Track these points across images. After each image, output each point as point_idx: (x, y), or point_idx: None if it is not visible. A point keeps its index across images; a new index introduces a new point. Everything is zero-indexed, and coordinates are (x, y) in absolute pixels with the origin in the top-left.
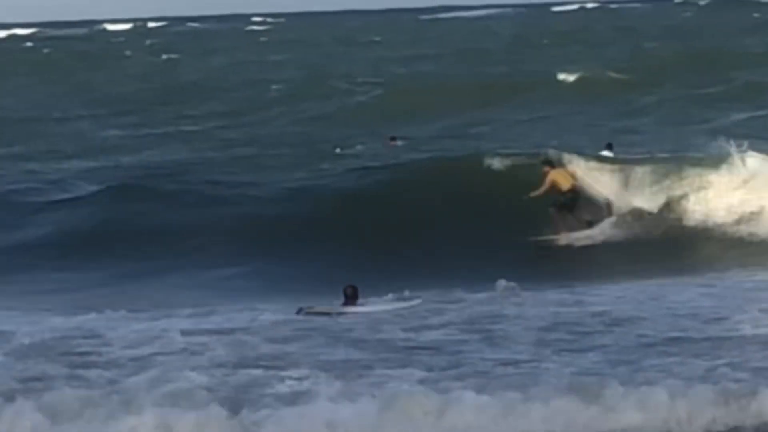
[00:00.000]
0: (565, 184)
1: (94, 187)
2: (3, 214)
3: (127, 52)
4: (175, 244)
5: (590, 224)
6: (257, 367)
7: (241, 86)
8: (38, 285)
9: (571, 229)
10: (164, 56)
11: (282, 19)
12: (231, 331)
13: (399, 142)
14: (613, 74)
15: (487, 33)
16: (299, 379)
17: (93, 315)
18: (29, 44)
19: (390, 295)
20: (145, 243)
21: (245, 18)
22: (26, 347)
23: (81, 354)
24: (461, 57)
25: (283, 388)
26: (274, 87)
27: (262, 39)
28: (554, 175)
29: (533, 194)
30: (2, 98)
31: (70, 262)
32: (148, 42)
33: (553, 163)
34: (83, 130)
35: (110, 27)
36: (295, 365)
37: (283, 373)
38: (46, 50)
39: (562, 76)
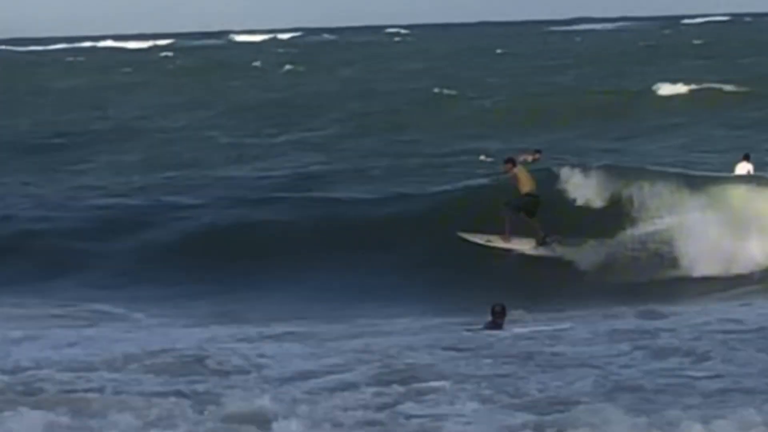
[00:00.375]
0: (524, 187)
1: (222, 194)
2: (134, 219)
3: (257, 63)
4: (302, 252)
5: (544, 241)
6: (405, 382)
7: (372, 96)
8: (168, 289)
9: (526, 234)
10: (294, 66)
11: (416, 30)
12: (377, 347)
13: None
14: (731, 87)
15: (615, 44)
16: (446, 393)
17: (234, 327)
18: (165, 54)
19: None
20: (273, 250)
21: (380, 29)
22: (168, 362)
23: (222, 372)
24: (586, 68)
25: (431, 406)
26: (405, 96)
27: (396, 50)
28: (519, 173)
29: (518, 192)
30: (139, 109)
31: (197, 268)
32: (280, 51)
33: (515, 162)
34: (212, 138)
35: (243, 38)
36: (443, 381)
37: (430, 390)
38: (179, 61)
39: (682, 88)
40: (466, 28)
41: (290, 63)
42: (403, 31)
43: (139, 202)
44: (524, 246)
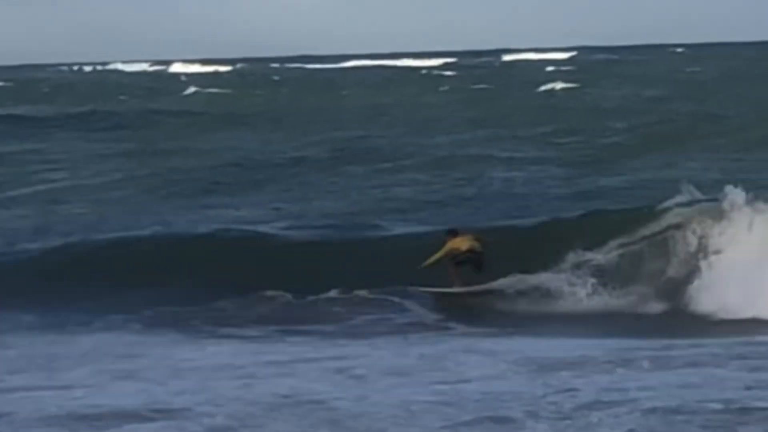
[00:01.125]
0: (463, 246)
1: (493, 208)
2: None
3: (529, 80)
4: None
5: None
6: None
7: (647, 112)
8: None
9: (467, 282)
10: (571, 84)
11: (696, 50)
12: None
13: None
14: None
15: None
16: None
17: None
18: (440, 73)
19: None
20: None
21: (660, 48)
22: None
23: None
24: None
25: None
26: (675, 115)
27: (671, 67)
28: (453, 243)
29: (428, 261)
30: (414, 125)
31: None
32: (553, 69)
33: (456, 233)
34: (490, 154)
35: (520, 56)
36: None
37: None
38: (455, 80)
39: None
40: (747, 47)
41: (567, 81)
42: (679, 50)
43: (402, 216)
44: (479, 287)
